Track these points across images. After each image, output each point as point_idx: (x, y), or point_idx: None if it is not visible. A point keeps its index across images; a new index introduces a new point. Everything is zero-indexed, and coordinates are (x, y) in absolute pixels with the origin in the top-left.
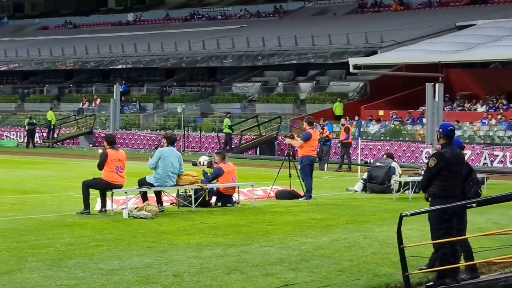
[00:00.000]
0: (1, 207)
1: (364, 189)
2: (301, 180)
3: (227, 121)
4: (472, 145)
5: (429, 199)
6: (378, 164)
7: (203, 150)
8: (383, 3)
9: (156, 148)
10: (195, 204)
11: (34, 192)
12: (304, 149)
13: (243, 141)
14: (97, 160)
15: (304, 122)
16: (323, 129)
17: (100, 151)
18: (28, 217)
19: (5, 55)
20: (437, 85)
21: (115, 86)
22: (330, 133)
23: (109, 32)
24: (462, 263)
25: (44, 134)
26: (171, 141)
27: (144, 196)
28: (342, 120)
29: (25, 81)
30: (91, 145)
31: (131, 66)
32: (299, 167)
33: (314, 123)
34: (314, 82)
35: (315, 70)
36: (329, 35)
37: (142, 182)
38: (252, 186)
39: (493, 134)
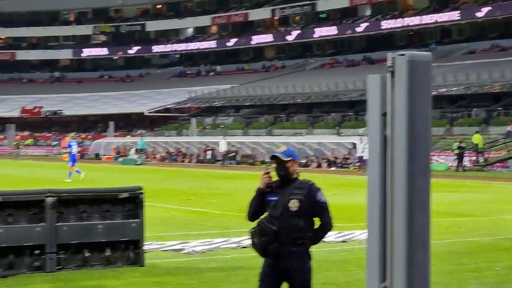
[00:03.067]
0: (438, 229)
1: None
2: None
3: None
4: None
5: None
6: None
7: None
8: None
9: None
10: None
11: (469, 215)
12: None
13: None
14: None
15: None
16: None
17: None
18: (464, 240)
19: (433, 80)
20: None
21: None
22: None
23: None
24: None
25: (473, 158)
26: None
27: None
28: None
29: (453, 105)
30: None
31: None
32: None
33: None
34: None
35: None
36: None
37: None
38: None
39: None
